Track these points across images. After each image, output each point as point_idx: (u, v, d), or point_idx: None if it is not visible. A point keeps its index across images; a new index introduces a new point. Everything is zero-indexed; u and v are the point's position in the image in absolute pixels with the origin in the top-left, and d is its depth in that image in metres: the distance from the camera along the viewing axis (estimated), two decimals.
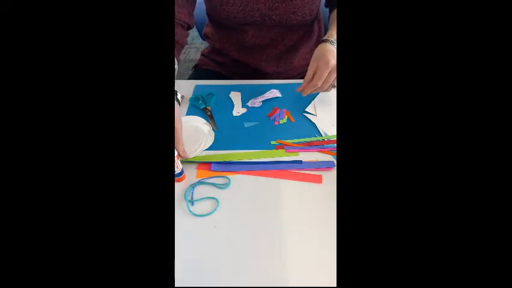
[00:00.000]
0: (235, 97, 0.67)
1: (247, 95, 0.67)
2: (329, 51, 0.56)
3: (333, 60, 0.55)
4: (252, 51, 0.74)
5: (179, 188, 0.48)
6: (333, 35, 0.59)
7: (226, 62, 0.79)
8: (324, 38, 0.60)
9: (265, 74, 0.77)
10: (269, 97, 0.66)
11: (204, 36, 0.85)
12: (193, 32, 1.08)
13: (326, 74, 0.55)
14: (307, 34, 0.69)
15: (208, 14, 0.75)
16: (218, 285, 0.37)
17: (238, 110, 0.63)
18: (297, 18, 0.68)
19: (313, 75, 0.57)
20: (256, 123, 0.60)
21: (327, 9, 0.78)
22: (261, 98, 0.66)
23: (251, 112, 0.63)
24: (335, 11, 0.72)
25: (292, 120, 0.61)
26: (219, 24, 0.73)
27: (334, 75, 0.56)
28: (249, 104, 0.65)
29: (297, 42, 0.72)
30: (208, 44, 0.86)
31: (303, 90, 0.59)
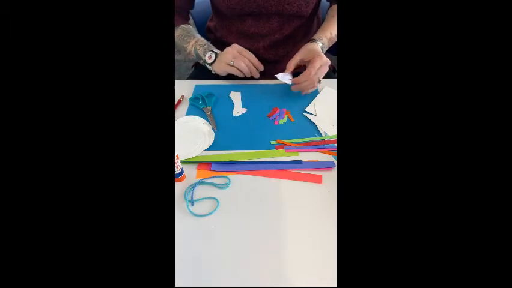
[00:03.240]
0: (235, 97, 0.67)
1: (247, 95, 0.67)
2: (317, 49, 0.65)
3: (325, 57, 0.63)
4: (251, 39, 0.77)
5: (179, 188, 0.47)
6: (321, 37, 0.69)
7: None
8: (314, 37, 0.68)
9: (264, 62, 0.79)
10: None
11: (207, 30, 0.87)
12: None
13: (318, 66, 0.62)
14: (305, 27, 0.72)
15: (212, 5, 0.79)
16: (218, 285, 0.37)
17: (238, 110, 0.64)
18: (292, 9, 0.71)
19: (299, 60, 0.65)
20: (245, 110, 0.63)
21: (327, 8, 0.79)
22: (290, 76, 0.65)
23: (251, 112, 0.63)
24: (333, 7, 0.76)
25: (292, 120, 0.61)
26: (221, 14, 0.77)
27: (324, 70, 0.64)
28: (279, 76, 0.65)
29: (293, 31, 0.75)
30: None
31: (289, 68, 0.65)
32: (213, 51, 0.69)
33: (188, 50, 0.74)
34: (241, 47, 0.67)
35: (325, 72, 0.64)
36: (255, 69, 0.66)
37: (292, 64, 0.65)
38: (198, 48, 0.72)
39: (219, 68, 0.68)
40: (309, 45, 0.66)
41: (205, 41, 0.73)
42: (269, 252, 0.39)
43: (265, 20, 0.73)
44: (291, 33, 0.75)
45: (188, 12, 0.81)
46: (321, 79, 0.65)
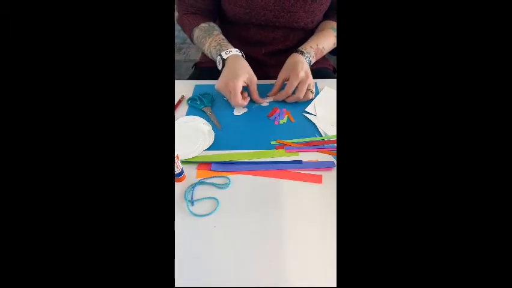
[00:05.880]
0: None
1: (248, 95, 0.67)
2: (299, 63, 0.63)
3: (301, 73, 0.62)
4: (252, 46, 0.77)
5: (179, 188, 0.47)
6: (306, 47, 0.68)
7: None
8: (299, 48, 0.67)
9: (264, 66, 0.79)
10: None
11: None
12: None
13: (295, 85, 0.62)
14: (308, 38, 0.72)
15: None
16: (218, 285, 0.37)
17: (239, 110, 0.64)
18: (299, 26, 0.72)
19: (283, 82, 0.65)
20: (246, 110, 0.63)
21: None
22: (269, 99, 0.66)
23: (251, 112, 0.63)
24: (323, 22, 0.76)
25: (292, 120, 0.61)
26: (225, 18, 0.76)
27: (305, 86, 0.62)
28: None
29: (297, 43, 0.75)
30: None
31: (274, 96, 0.66)
32: (221, 56, 0.64)
33: (207, 54, 0.72)
34: (236, 86, 0.59)
35: (304, 88, 0.62)
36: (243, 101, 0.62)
37: (275, 89, 0.65)
38: (211, 51, 0.68)
39: (218, 87, 0.63)
40: (291, 59, 0.65)
41: (218, 39, 0.68)
42: (269, 252, 0.39)
43: (270, 30, 0.73)
44: (294, 44, 0.75)
45: (213, 13, 0.76)
46: (313, 89, 0.64)
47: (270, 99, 0.66)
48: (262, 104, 0.65)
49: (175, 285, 0.32)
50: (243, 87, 0.62)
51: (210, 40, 0.68)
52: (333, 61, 0.90)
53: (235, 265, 0.38)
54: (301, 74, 0.62)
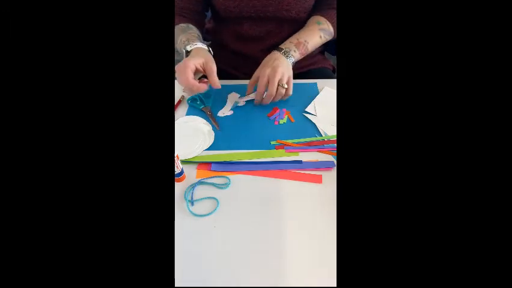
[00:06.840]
0: (233, 98, 0.67)
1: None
2: (271, 60, 0.62)
3: (268, 70, 0.60)
4: (248, 42, 0.76)
5: (179, 188, 0.47)
6: (285, 43, 0.67)
7: (225, 54, 0.80)
8: (280, 45, 0.66)
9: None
10: (253, 98, 0.66)
11: (206, 32, 0.87)
12: None
13: (264, 82, 0.60)
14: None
15: (210, 5, 0.77)
16: (218, 285, 0.37)
17: (223, 111, 0.63)
18: (290, 15, 0.70)
19: (255, 81, 0.63)
20: (231, 113, 0.63)
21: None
22: (245, 98, 0.66)
23: (251, 112, 0.63)
24: (312, 17, 0.74)
25: (292, 120, 0.61)
26: (218, 16, 0.76)
27: (274, 81, 0.59)
28: (237, 102, 0.66)
29: (291, 36, 0.73)
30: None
31: (248, 92, 0.65)
32: (186, 50, 0.62)
33: (180, 53, 0.70)
34: (185, 64, 0.56)
35: (274, 84, 0.60)
36: (196, 84, 0.58)
37: (250, 88, 0.65)
38: (181, 47, 0.65)
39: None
40: (267, 57, 0.64)
41: (189, 36, 0.66)
42: (269, 252, 0.39)
43: (262, 24, 0.73)
44: (288, 37, 0.74)
45: (197, 13, 0.75)
46: (285, 85, 0.61)
47: (247, 98, 0.65)
48: (239, 104, 0.65)
49: (175, 285, 0.32)
50: (212, 89, 0.61)
51: (181, 37, 0.66)
52: (333, 61, 0.90)
53: (235, 265, 0.38)
54: (268, 71, 0.60)
